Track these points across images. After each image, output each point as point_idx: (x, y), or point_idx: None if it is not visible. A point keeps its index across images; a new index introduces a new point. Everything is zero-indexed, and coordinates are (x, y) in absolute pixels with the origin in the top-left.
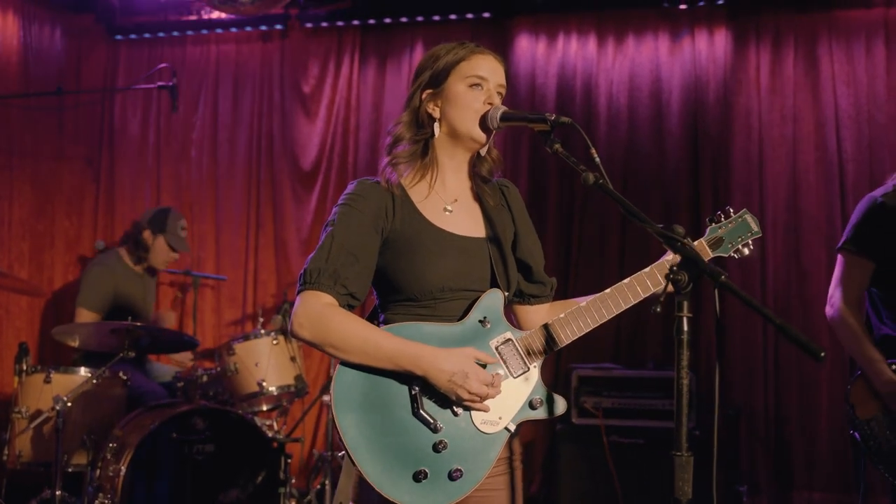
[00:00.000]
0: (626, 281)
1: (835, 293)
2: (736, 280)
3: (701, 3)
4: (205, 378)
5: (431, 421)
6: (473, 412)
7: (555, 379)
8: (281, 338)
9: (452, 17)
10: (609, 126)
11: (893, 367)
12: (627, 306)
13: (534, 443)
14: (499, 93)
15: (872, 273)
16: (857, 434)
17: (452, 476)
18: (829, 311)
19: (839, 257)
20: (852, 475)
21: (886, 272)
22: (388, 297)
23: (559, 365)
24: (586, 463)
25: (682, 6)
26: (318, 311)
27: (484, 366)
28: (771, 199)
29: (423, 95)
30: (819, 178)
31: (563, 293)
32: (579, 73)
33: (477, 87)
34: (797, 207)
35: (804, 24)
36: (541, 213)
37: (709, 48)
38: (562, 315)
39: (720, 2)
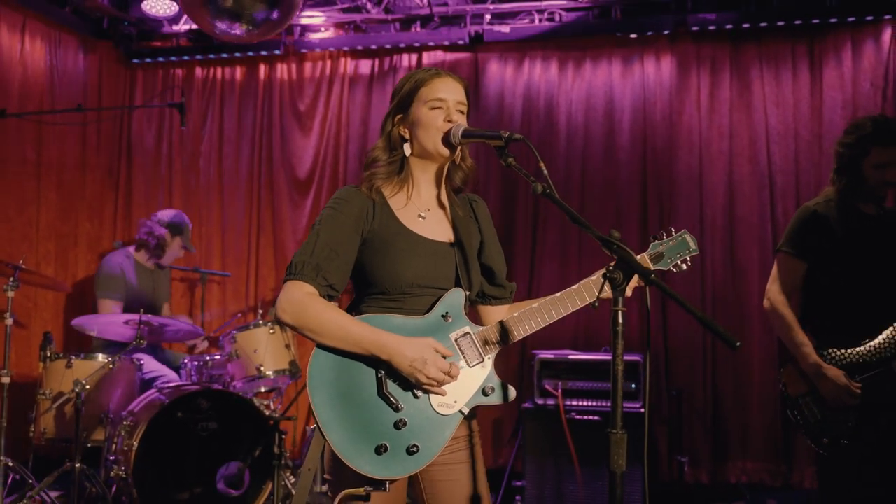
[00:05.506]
0: (574, 287)
1: (771, 288)
2: (679, 277)
3: (649, 34)
4: (210, 363)
5: (394, 401)
6: (432, 395)
7: (520, 363)
8: (277, 328)
9: (431, 43)
10: (568, 141)
11: (826, 352)
12: (574, 308)
13: (501, 420)
14: (459, 110)
15: (804, 272)
16: (788, 410)
17: (410, 451)
18: (765, 303)
19: (776, 258)
20: (781, 447)
21: (817, 271)
22: (363, 290)
23: (524, 351)
24: (547, 437)
25: (633, 36)
26: (300, 298)
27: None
28: (710, 206)
29: (395, 120)
30: (752, 187)
31: (528, 290)
32: (542, 94)
33: (437, 108)
34: (733, 213)
35: (738, 53)
36: (510, 220)
37: (656, 73)
38: (516, 314)
39: (666, 32)
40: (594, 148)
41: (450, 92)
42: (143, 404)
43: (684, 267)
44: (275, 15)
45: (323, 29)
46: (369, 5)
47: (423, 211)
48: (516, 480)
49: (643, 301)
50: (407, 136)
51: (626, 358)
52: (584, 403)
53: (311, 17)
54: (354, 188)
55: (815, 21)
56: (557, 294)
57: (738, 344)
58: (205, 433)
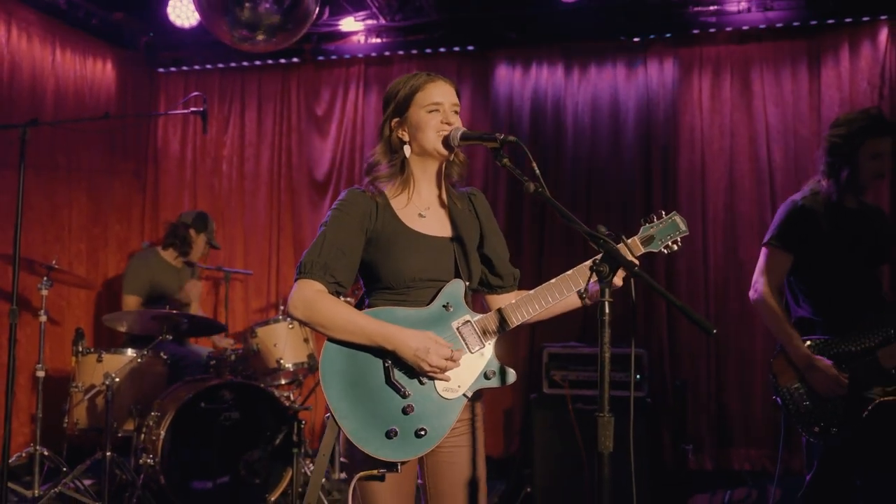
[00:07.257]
0: (568, 272)
1: (759, 280)
2: (683, 271)
3: (652, 37)
4: (233, 357)
5: (401, 388)
6: (437, 381)
7: (529, 355)
8: (296, 323)
9: (442, 49)
10: (575, 141)
11: (808, 342)
12: (570, 293)
13: (512, 410)
14: (454, 111)
15: (791, 264)
16: (778, 399)
17: (418, 434)
18: (752, 295)
19: (764, 250)
20: (783, 435)
21: (802, 264)
22: (371, 286)
23: (533, 344)
24: (555, 426)
25: (636, 39)
26: (310, 295)
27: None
28: (711, 202)
29: (392, 124)
30: (752, 184)
31: (537, 277)
32: (549, 96)
33: (434, 110)
34: (734, 209)
35: (738, 53)
36: (518, 213)
37: (659, 74)
38: (513, 301)
39: (668, 35)
40: (600, 147)
41: (444, 95)
42: (170, 396)
43: (675, 248)
44: (290, 25)
45: (338, 37)
46: (382, 13)
47: (423, 210)
48: (525, 468)
49: (639, 293)
50: (406, 139)
51: (627, 351)
52: (591, 393)
53: (326, 25)
54: (359, 191)
55: (813, 22)
56: (553, 280)
57: (714, 331)
58: (228, 423)
